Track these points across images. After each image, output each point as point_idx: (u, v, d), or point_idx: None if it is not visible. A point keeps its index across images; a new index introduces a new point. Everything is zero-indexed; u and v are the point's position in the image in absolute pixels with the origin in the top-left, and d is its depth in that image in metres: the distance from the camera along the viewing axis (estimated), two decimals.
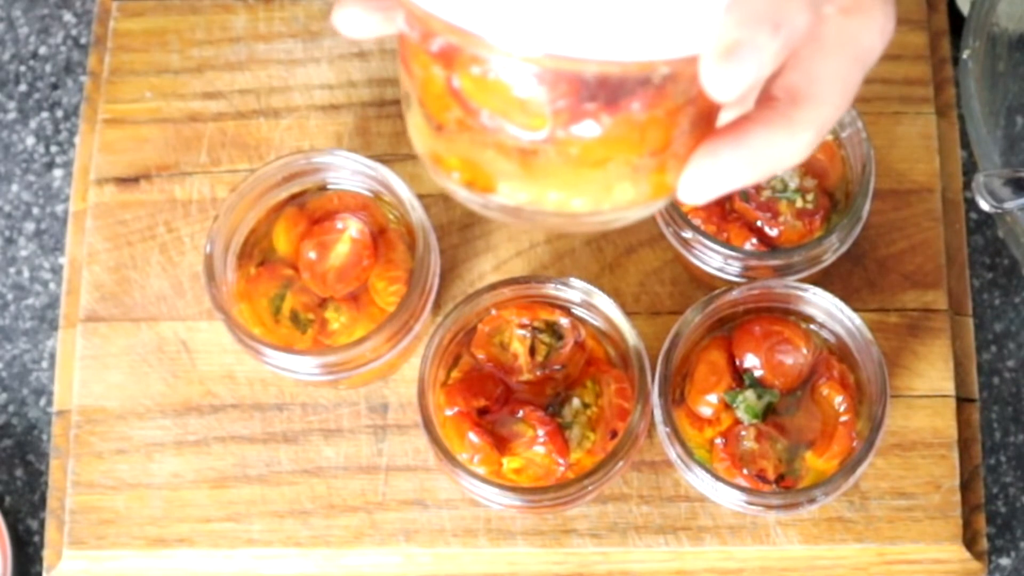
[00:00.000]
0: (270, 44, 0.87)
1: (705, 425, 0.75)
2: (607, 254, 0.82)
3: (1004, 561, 0.84)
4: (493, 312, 0.77)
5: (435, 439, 0.74)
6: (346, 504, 0.79)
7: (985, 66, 0.76)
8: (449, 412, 0.75)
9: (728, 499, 0.74)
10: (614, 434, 0.74)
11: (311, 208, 0.80)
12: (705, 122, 0.48)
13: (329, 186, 0.80)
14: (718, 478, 0.73)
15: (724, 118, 0.49)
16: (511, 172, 0.47)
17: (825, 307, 0.76)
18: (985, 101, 0.75)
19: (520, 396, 0.76)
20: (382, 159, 0.79)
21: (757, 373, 0.76)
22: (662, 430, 0.74)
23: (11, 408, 0.87)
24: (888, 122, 0.84)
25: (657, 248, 0.82)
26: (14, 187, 0.91)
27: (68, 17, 0.94)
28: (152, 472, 0.80)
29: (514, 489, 0.73)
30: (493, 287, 0.77)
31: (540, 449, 0.74)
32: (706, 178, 0.48)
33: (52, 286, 0.89)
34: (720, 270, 0.77)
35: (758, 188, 0.78)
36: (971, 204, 0.85)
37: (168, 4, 0.88)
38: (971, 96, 0.74)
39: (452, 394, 0.75)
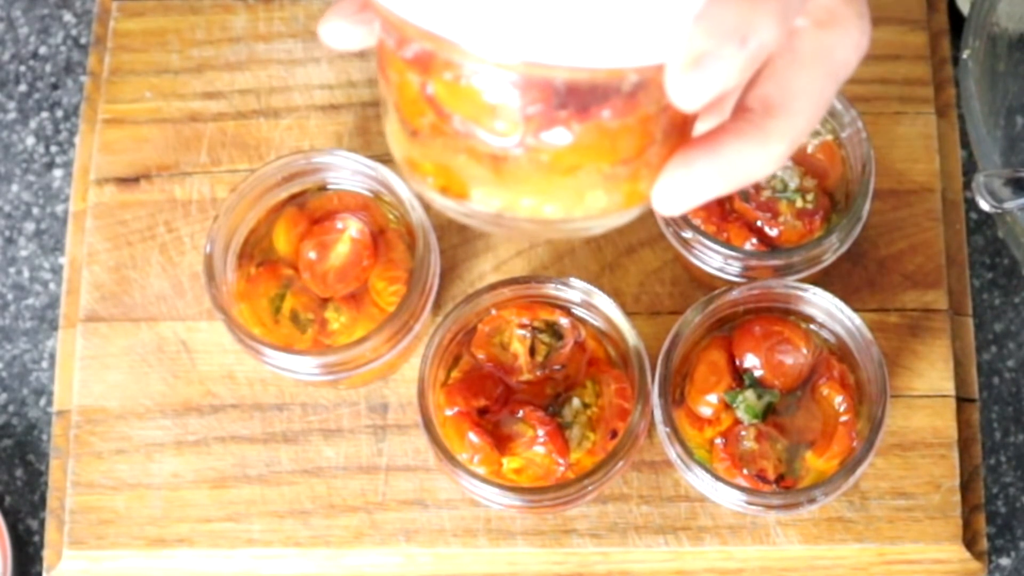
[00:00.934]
0: (270, 44, 0.87)
1: (705, 425, 0.75)
2: (607, 254, 0.82)
3: (1004, 561, 0.84)
4: (493, 312, 0.77)
5: (435, 439, 0.74)
6: (346, 504, 0.79)
7: (985, 66, 0.76)
8: (449, 412, 0.75)
9: (728, 499, 0.74)
10: (614, 434, 0.74)
11: (311, 208, 0.80)
12: (679, 132, 0.49)
13: (329, 186, 0.80)
14: (718, 478, 0.73)
15: (700, 128, 0.50)
16: (483, 178, 0.48)
17: (825, 307, 0.76)
18: (985, 101, 0.75)
19: (520, 396, 0.76)
20: (382, 159, 0.79)
21: (757, 373, 0.76)
22: (662, 430, 0.74)
23: (11, 408, 0.87)
24: (888, 122, 0.84)
25: (657, 248, 0.82)
26: (14, 187, 0.91)
27: (68, 17, 0.94)
28: (152, 472, 0.80)
29: (514, 489, 0.74)
30: (493, 287, 0.77)
31: (540, 449, 0.74)
32: (679, 188, 0.48)
33: (52, 286, 0.89)
34: (720, 270, 0.78)
35: (758, 188, 0.78)
36: (971, 204, 0.85)
37: (168, 4, 0.88)
38: (971, 96, 0.74)
39: (452, 394, 0.75)
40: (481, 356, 0.77)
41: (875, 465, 0.78)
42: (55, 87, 0.93)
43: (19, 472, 0.86)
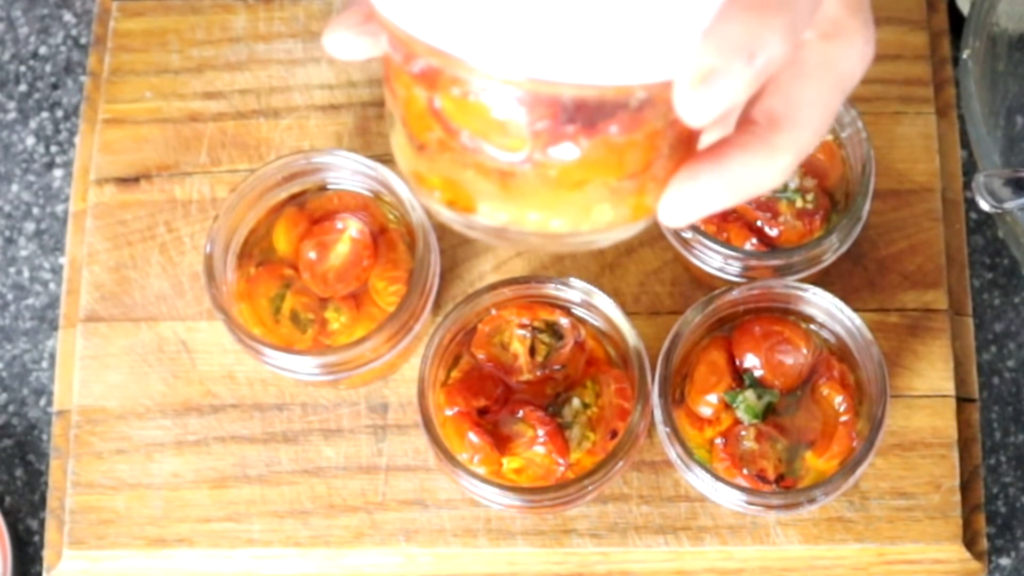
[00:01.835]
0: (270, 44, 0.87)
1: (705, 425, 0.75)
2: (607, 254, 0.82)
3: (1004, 561, 0.84)
4: (493, 312, 0.77)
5: (435, 439, 0.74)
6: (346, 504, 0.79)
7: (985, 66, 0.76)
8: (449, 412, 0.75)
9: (728, 499, 0.74)
10: (614, 434, 0.74)
11: (311, 208, 0.80)
12: (684, 146, 0.49)
13: (329, 186, 0.80)
14: (718, 478, 0.73)
15: (705, 141, 0.50)
16: (491, 192, 0.48)
17: (825, 307, 0.76)
18: (985, 101, 0.75)
19: (520, 396, 0.76)
20: (382, 159, 0.79)
21: (757, 373, 0.76)
22: (662, 430, 0.74)
23: (11, 408, 0.87)
24: (888, 122, 0.84)
25: (657, 248, 0.82)
26: (14, 187, 0.91)
27: (68, 17, 0.94)
28: (152, 472, 0.80)
29: (514, 489, 0.74)
30: (493, 287, 0.77)
31: (540, 449, 0.74)
32: (685, 201, 0.48)
33: (52, 286, 0.89)
34: (720, 270, 0.78)
35: None
36: (971, 204, 0.85)
37: (168, 4, 0.88)
38: (971, 96, 0.74)
39: (452, 394, 0.75)
40: (481, 356, 0.77)
41: (875, 465, 0.78)
42: (55, 87, 0.93)
43: (19, 472, 0.86)
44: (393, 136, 0.51)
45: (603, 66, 0.44)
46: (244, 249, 0.79)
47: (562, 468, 0.74)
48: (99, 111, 0.86)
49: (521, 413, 0.75)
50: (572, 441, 0.75)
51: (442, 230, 0.82)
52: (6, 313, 0.89)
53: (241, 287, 0.78)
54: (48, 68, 0.93)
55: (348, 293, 0.78)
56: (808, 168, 0.79)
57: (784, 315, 0.77)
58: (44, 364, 0.88)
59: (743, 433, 0.75)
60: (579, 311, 0.77)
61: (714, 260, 0.77)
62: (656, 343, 0.77)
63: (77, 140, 0.87)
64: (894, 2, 0.85)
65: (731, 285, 0.76)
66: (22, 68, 0.93)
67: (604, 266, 0.82)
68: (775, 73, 0.47)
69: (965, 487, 0.78)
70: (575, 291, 0.76)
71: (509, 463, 0.75)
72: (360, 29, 0.51)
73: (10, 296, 0.89)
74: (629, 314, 0.76)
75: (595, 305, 0.76)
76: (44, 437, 0.87)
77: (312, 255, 0.78)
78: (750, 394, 0.75)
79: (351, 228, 0.78)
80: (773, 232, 0.78)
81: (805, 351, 0.76)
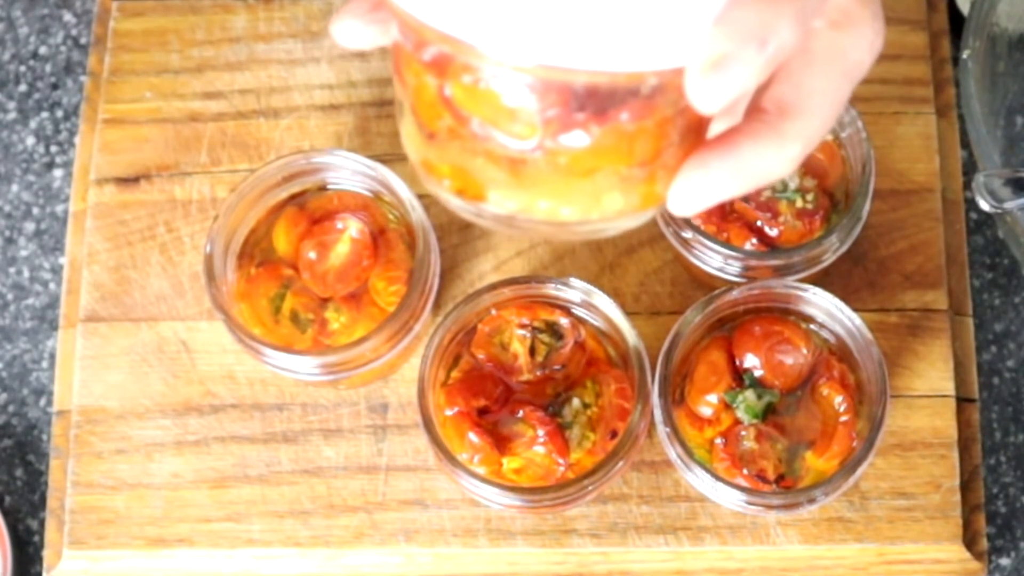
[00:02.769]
0: (270, 44, 0.87)
1: (705, 425, 0.75)
2: (607, 254, 0.82)
3: (1004, 561, 0.84)
4: (493, 312, 0.77)
5: (435, 439, 0.74)
6: (346, 504, 0.79)
7: (985, 66, 0.76)
8: (449, 412, 0.75)
9: (728, 499, 0.74)
10: (614, 434, 0.74)
11: (311, 208, 0.80)
12: (695, 134, 0.49)
13: (329, 186, 0.80)
14: (718, 478, 0.73)
15: (715, 129, 0.50)
16: (501, 180, 0.48)
17: (825, 307, 0.76)
18: (985, 101, 0.75)
19: (520, 396, 0.76)
20: (382, 159, 0.79)
21: (757, 373, 0.76)
22: (662, 430, 0.74)
23: (11, 408, 0.87)
24: (888, 122, 0.84)
25: (657, 248, 0.82)
26: (14, 187, 0.91)
27: (68, 17, 0.94)
28: (152, 472, 0.80)
29: (514, 489, 0.74)
30: (493, 287, 0.77)
31: (540, 449, 0.74)
32: (695, 189, 0.48)
33: (52, 286, 0.89)
34: (720, 270, 0.78)
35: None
36: (971, 204, 0.85)
37: (168, 4, 0.88)
38: (971, 96, 0.74)
39: (452, 394, 0.75)
40: (481, 356, 0.77)
41: (875, 465, 0.78)
42: (55, 87, 0.93)
43: (19, 472, 0.86)
44: (402, 124, 0.51)
45: (614, 53, 0.44)
46: (244, 249, 0.79)
47: (562, 468, 0.74)
48: (99, 111, 0.86)
49: (521, 413, 0.75)
50: (572, 441, 0.75)
51: (442, 230, 0.82)
52: (6, 313, 0.89)
53: (241, 287, 0.78)
54: (48, 68, 0.93)
55: (348, 293, 0.78)
56: (808, 168, 0.79)
57: (784, 315, 0.77)
58: (44, 364, 0.88)
59: (743, 433, 0.75)
60: (579, 311, 0.77)
61: (714, 260, 0.77)
62: (656, 343, 0.77)
63: (77, 140, 0.87)
64: (894, 2, 0.85)
65: (731, 285, 0.76)
66: (22, 68, 0.93)
67: (604, 266, 0.82)
68: (785, 61, 0.48)
69: (965, 487, 0.78)
70: (575, 291, 0.76)
71: (509, 463, 0.75)
72: (369, 17, 0.51)
73: (10, 296, 0.89)
74: (629, 314, 0.76)
75: (595, 305, 0.76)
76: (44, 437, 0.87)
77: (312, 255, 0.78)
78: (750, 394, 0.75)
79: (351, 228, 0.78)
80: (773, 232, 0.78)
81: (805, 351, 0.76)
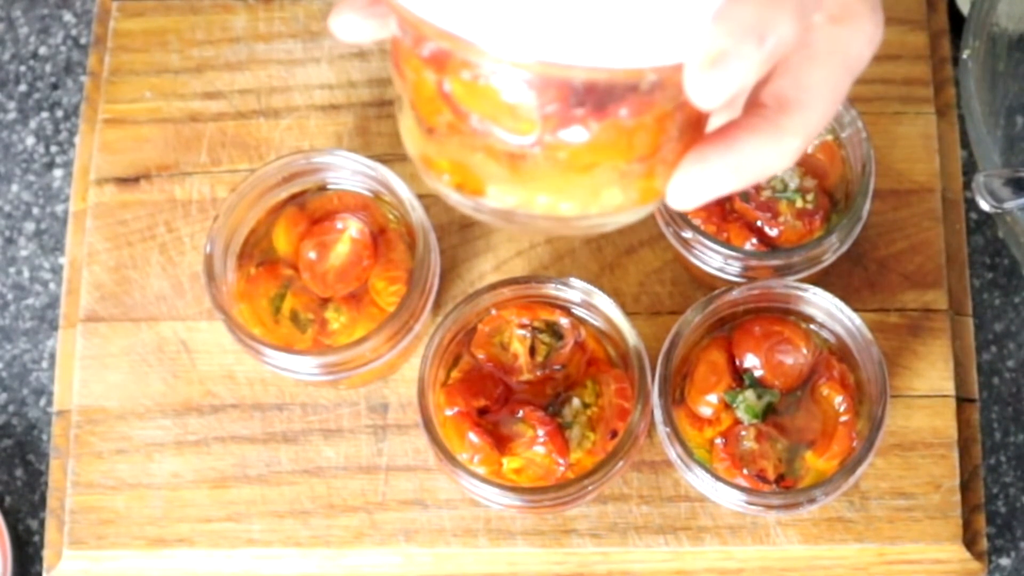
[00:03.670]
0: (270, 44, 0.87)
1: (705, 425, 0.75)
2: (607, 254, 0.82)
3: (1004, 561, 0.84)
4: (493, 312, 0.77)
5: (435, 439, 0.74)
6: (346, 504, 0.79)
7: (985, 66, 0.76)
8: (449, 412, 0.75)
9: (728, 499, 0.74)
10: (614, 434, 0.74)
11: (311, 208, 0.80)
12: (693, 129, 0.49)
13: (329, 186, 0.80)
14: (718, 478, 0.73)
15: (714, 124, 0.50)
16: (500, 175, 0.48)
17: (825, 307, 0.76)
18: (985, 101, 0.75)
19: (520, 396, 0.76)
20: (382, 159, 0.79)
21: (757, 373, 0.76)
22: (662, 430, 0.74)
23: (11, 408, 0.87)
24: (888, 122, 0.84)
25: (657, 248, 0.82)
26: (14, 187, 0.91)
27: (68, 17, 0.94)
28: (152, 472, 0.80)
29: (514, 489, 0.74)
30: (493, 287, 0.77)
31: (540, 449, 0.74)
32: (694, 184, 0.48)
33: (52, 286, 0.89)
34: (720, 270, 0.78)
35: (758, 188, 0.78)
36: (971, 204, 0.85)
37: (168, 4, 0.88)
38: (971, 96, 0.74)
39: (452, 394, 0.75)
40: (481, 356, 0.77)
41: (875, 465, 0.78)
42: (55, 87, 0.93)
43: (19, 472, 0.86)
44: (401, 120, 0.51)
45: (614, 49, 0.44)
46: (244, 249, 0.79)
47: (562, 468, 0.74)
48: (99, 111, 0.86)
49: (521, 413, 0.75)
50: (572, 441, 0.75)
51: (442, 230, 0.82)
52: (6, 313, 0.89)
53: (241, 287, 0.78)
54: (48, 68, 0.93)
55: (348, 293, 0.78)
56: (808, 168, 0.79)
57: (784, 315, 0.77)
58: (44, 364, 0.88)
59: (743, 433, 0.75)
60: (579, 311, 0.77)
61: (714, 260, 0.77)
62: (656, 343, 0.77)
63: (77, 140, 0.87)
64: (894, 2, 0.85)
65: (731, 285, 0.76)
66: (22, 68, 0.93)
67: (604, 266, 0.82)
68: (784, 56, 0.48)
69: (965, 487, 0.78)
70: (575, 291, 0.76)
71: (509, 463, 0.75)
72: (367, 11, 0.51)
73: (10, 296, 0.89)
74: (629, 314, 0.76)
75: (595, 305, 0.76)
76: (44, 437, 0.87)
77: (312, 255, 0.78)
78: (750, 394, 0.75)
79: (351, 228, 0.78)
80: (773, 232, 0.78)
81: (805, 351, 0.76)
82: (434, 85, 0.47)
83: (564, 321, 0.77)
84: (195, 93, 0.86)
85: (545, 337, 0.77)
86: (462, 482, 0.74)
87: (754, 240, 0.78)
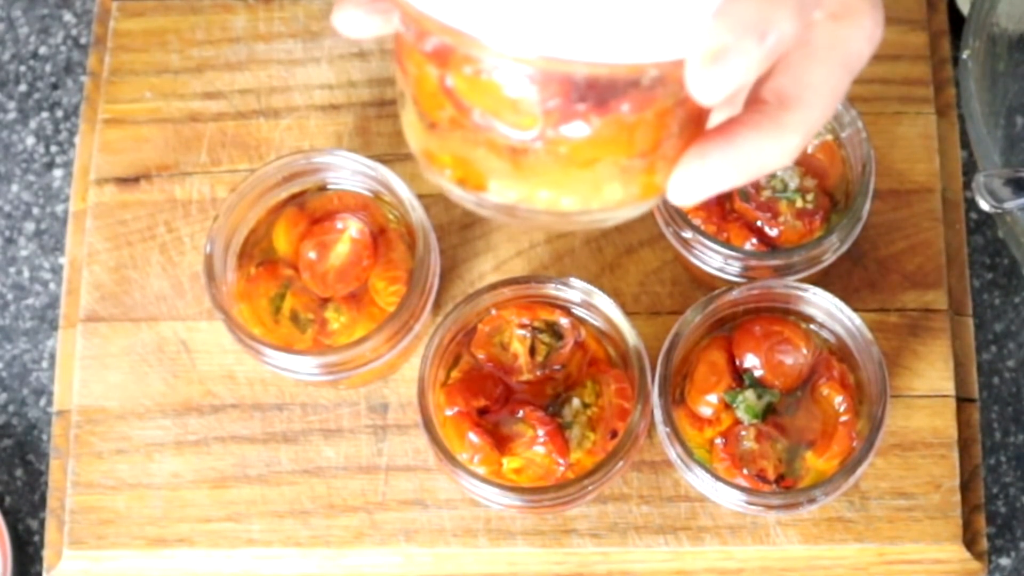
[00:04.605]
0: (270, 44, 0.87)
1: (705, 425, 0.75)
2: (607, 254, 0.82)
3: (1004, 561, 0.84)
4: (493, 312, 0.77)
5: (435, 439, 0.74)
6: (346, 504, 0.79)
7: (985, 66, 0.76)
8: (449, 412, 0.75)
9: (728, 499, 0.74)
10: (614, 434, 0.74)
11: (311, 208, 0.80)
12: (694, 124, 0.49)
13: (329, 186, 0.80)
14: (718, 478, 0.73)
15: (714, 120, 0.50)
16: (502, 170, 0.48)
17: (825, 307, 0.76)
18: (985, 101, 0.75)
19: (520, 396, 0.76)
20: (382, 159, 0.79)
21: (757, 373, 0.76)
22: (662, 430, 0.74)
23: (11, 408, 0.87)
24: (888, 122, 0.84)
25: (657, 248, 0.82)
26: (14, 187, 0.91)
27: (68, 17, 0.94)
28: (152, 472, 0.80)
29: (514, 489, 0.74)
30: (493, 287, 0.77)
31: (540, 449, 0.74)
32: (695, 180, 0.48)
33: (52, 286, 0.89)
34: (720, 270, 0.78)
35: (758, 188, 0.78)
36: (971, 204, 0.85)
37: (168, 4, 0.88)
38: (971, 96, 0.74)
39: (452, 394, 0.75)
40: (481, 356, 0.77)
41: (875, 465, 0.78)
42: (55, 87, 0.93)
43: (19, 472, 0.86)
44: (403, 114, 0.51)
45: (615, 45, 0.45)
46: (244, 249, 0.79)
47: (562, 468, 0.74)
48: (99, 111, 0.86)
49: (521, 413, 0.75)
50: (572, 441, 0.75)
51: (442, 230, 0.82)
52: (6, 313, 0.89)
53: (241, 287, 0.78)
54: (48, 68, 0.93)
55: (348, 293, 0.78)
56: (808, 168, 0.79)
57: (784, 315, 0.77)
58: (44, 364, 0.88)
59: (743, 433, 0.75)
60: (579, 311, 0.77)
61: (714, 260, 0.77)
62: (656, 343, 0.77)
63: (77, 140, 0.87)
64: (894, 2, 0.85)
65: (731, 285, 0.76)
66: (22, 68, 0.93)
67: (604, 266, 0.82)
68: (785, 53, 0.48)
69: (965, 487, 0.78)
70: (575, 291, 0.76)
71: (509, 463, 0.75)
72: (371, 7, 0.51)
73: (10, 296, 0.89)
74: (629, 314, 0.76)
75: (595, 305, 0.76)
76: (44, 437, 0.87)
77: (312, 255, 0.78)
78: (750, 394, 0.75)
79: (351, 228, 0.78)
80: (773, 232, 0.78)
81: (805, 351, 0.76)
82: (436, 80, 0.48)
83: (564, 321, 0.77)
84: (195, 93, 0.86)
85: (545, 337, 0.77)
86: (462, 482, 0.74)
87: (754, 240, 0.78)
